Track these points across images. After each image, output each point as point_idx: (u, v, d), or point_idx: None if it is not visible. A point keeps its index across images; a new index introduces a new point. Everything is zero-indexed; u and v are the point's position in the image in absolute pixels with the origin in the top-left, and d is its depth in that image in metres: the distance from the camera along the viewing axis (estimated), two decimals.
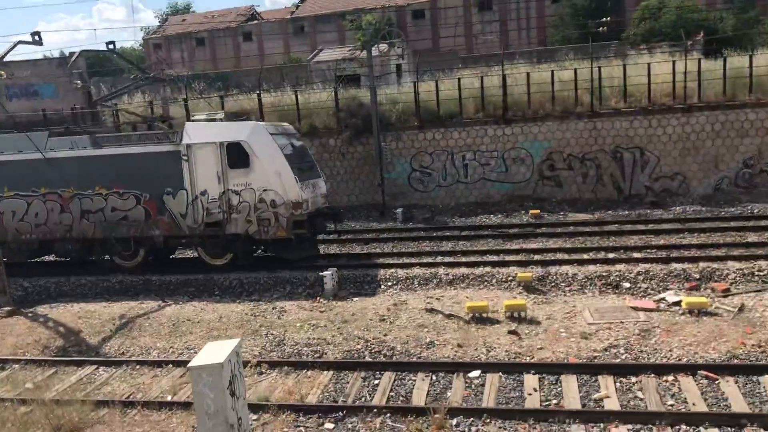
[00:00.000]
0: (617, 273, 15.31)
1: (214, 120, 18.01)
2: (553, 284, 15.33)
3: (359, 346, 12.59)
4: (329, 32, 59.90)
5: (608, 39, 39.57)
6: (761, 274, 14.62)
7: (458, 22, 54.75)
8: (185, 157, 17.29)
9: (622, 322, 12.69)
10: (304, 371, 11.61)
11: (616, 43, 40.95)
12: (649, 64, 24.78)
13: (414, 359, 11.88)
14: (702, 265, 15.26)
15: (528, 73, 25.94)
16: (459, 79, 27.00)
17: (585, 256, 16.72)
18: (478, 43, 58.33)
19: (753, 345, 11.33)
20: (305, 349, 12.68)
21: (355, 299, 15.37)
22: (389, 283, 16.17)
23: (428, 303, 14.51)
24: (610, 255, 16.89)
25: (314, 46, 55.82)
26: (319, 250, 19.47)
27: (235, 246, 17.76)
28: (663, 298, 13.71)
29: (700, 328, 12.13)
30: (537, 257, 17.03)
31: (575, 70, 25.48)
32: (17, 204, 18.58)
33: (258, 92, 28.40)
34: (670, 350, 11.46)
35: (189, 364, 8.10)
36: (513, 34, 61.82)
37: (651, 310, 13.20)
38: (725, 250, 16.52)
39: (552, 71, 25.81)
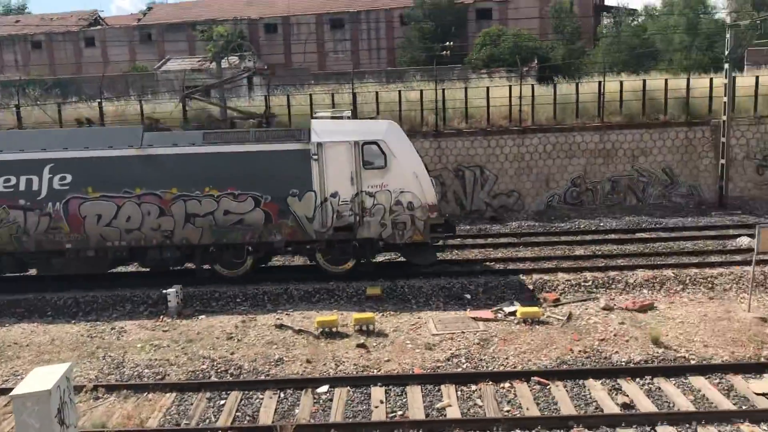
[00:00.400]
0: (459, 285, 16.01)
1: (341, 118, 16.92)
2: (400, 297, 15.74)
3: (204, 366, 12.23)
4: (179, 41, 58.05)
5: (453, 62, 41.48)
6: (587, 284, 15.89)
7: (308, 39, 55.08)
8: (315, 157, 15.92)
9: (463, 333, 13.27)
10: (145, 394, 11.10)
11: (459, 66, 42.97)
12: (488, 88, 26.27)
13: (262, 377, 11.73)
14: (535, 276, 16.31)
15: (377, 92, 26.59)
16: (311, 95, 27.16)
17: (430, 270, 17.32)
18: (329, 61, 59.00)
19: (579, 351, 12.27)
20: (146, 371, 12.12)
21: (201, 317, 14.92)
22: (238, 300, 15.86)
23: (278, 319, 14.40)
24: (454, 268, 17.62)
25: (162, 55, 53.88)
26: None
27: (363, 251, 16.61)
28: (500, 309, 14.50)
29: (533, 337, 12.95)
30: (386, 271, 17.42)
31: (421, 91, 26.47)
32: (104, 206, 16.08)
33: (99, 100, 26.93)
34: (506, 358, 12.14)
35: (12, 392, 7.49)
36: (364, 54, 63.12)
37: (490, 320, 13.92)
38: (556, 263, 17.78)
39: (399, 91, 26.65)
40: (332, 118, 17.05)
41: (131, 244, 16.31)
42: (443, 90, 26.36)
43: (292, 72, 41.41)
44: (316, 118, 17.08)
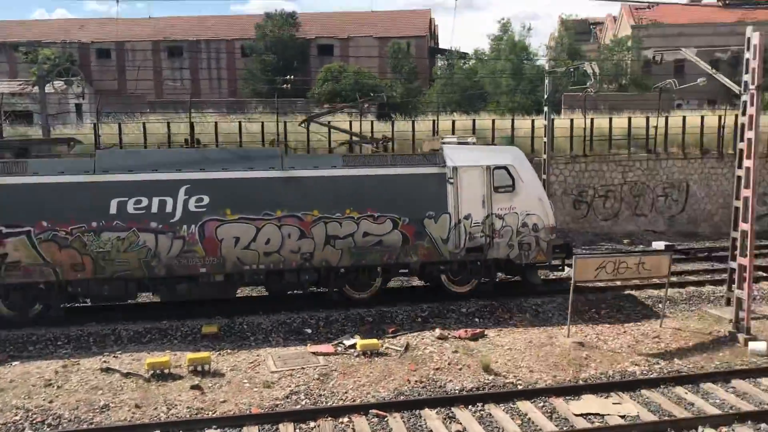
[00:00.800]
0: (300, 320, 15.87)
1: (467, 143, 17.64)
2: (238, 334, 15.30)
3: (18, 417, 11.11)
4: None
5: (295, 96, 41.69)
6: (423, 315, 16.36)
7: (141, 66, 53.00)
8: (450, 180, 16.49)
9: (303, 368, 13.13)
10: None
11: (302, 100, 43.29)
12: (330, 122, 26.63)
13: (85, 426, 10.85)
14: (374, 309, 16.54)
15: (216, 123, 26.06)
16: (144, 123, 26.07)
17: (269, 305, 17.02)
18: (167, 89, 57.08)
19: (416, 381, 12.55)
20: None
21: (14, 363, 13.58)
22: (59, 343, 14.63)
23: (104, 362, 13.44)
24: (297, 302, 17.45)
25: None
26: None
27: (489, 271, 17.21)
28: (341, 342, 14.54)
29: (372, 369, 13.08)
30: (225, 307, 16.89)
31: (262, 123, 26.30)
32: (243, 229, 15.50)
33: None
34: (346, 392, 12.14)
35: None
36: (204, 83, 61.79)
37: (330, 354, 13.89)
38: (395, 295, 18.16)
39: (240, 122, 26.29)
40: (458, 143, 17.73)
41: (269, 267, 15.94)
42: (285, 123, 26.35)
43: (126, 98, 39.63)
44: (444, 143, 17.56)
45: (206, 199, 15.37)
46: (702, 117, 28.83)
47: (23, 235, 14.73)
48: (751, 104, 14.51)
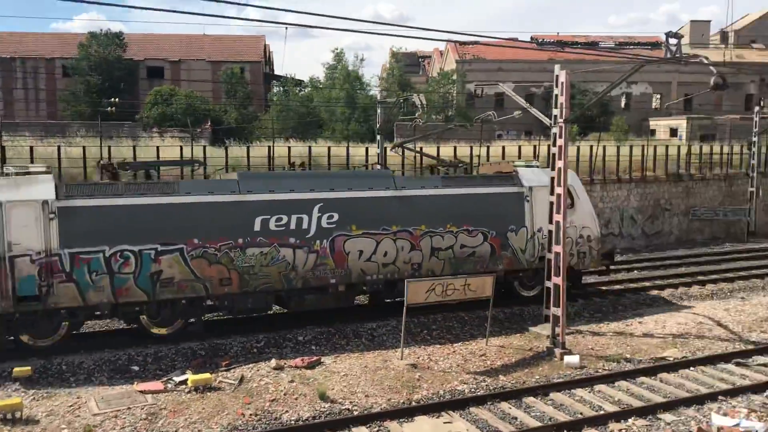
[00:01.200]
0: (126, 356, 14.96)
1: (530, 166, 20.00)
2: (57, 375, 14.12)
3: None
4: None
5: (122, 119, 39.69)
6: (259, 345, 16.04)
7: None
8: (527, 198, 18.79)
9: (129, 408, 12.35)
10: None
11: (129, 123, 41.29)
12: (158, 147, 25.63)
13: None
14: (206, 343, 15.97)
15: (31, 147, 24.14)
16: None
17: (93, 342, 15.91)
18: None
19: (251, 414, 12.23)
20: None
21: None
22: None
23: None
24: (122, 338, 16.45)
25: None
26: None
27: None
28: (171, 378, 13.86)
29: (204, 404, 12.59)
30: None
31: (84, 147, 24.74)
32: (366, 243, 17.05)
33: None
34: (176, 430, 11.57)
35: None
36: (20, 105, 57.29)
37: (159, 392, 13.19)
38: (228, 326, 17.64)
39: (59, 146, 24.55)
40: (526, 166, 20.05)
41: (386, 276, 17.38)
42: (109, 147, 24.97)
43: None
44: (516, 166, 19.97)
45: (336, 216, 16.75)
46: (519, 147, 31.07)
47: (176, 252, 15.40)
48: (560, 136, 15.85)
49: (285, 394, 13.12)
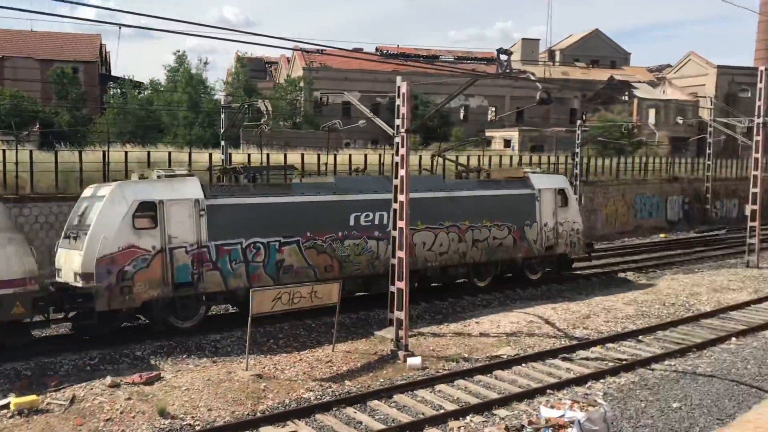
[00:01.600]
0: None
1: (536, 173, 24.56)
2: None
3: None
4: None
5: None
6: (92, 362, 15.09)
7: None
8: (537, 198, 23.13)
9: None
10: None
11: None
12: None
13: None
14: (33, 362, 14.80)
15: None
16: None
17: None
18: None
19: None
20: None
21: None
22: None
23: None
24: None
25: None
26: None
27: (552, 264, 24.27)
28: None
29: (30, 428, 11.64)
30: None
31: None
32: (427, 236, 20.90)
33: None
34: None
35: None
36: None
37: None
38: (57, 344, 16.43)
39: None
40: (532, 172, 24.57)
41: (441, 263, 21.15)
42: None
43: None
44: (526, 172, 24.41)
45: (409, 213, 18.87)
46: (365, 155, 31.66)
47: (294, 244, 18.57)
48: (402, 146, 16.33)
49: (121, 413, 12.42)
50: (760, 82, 28.25)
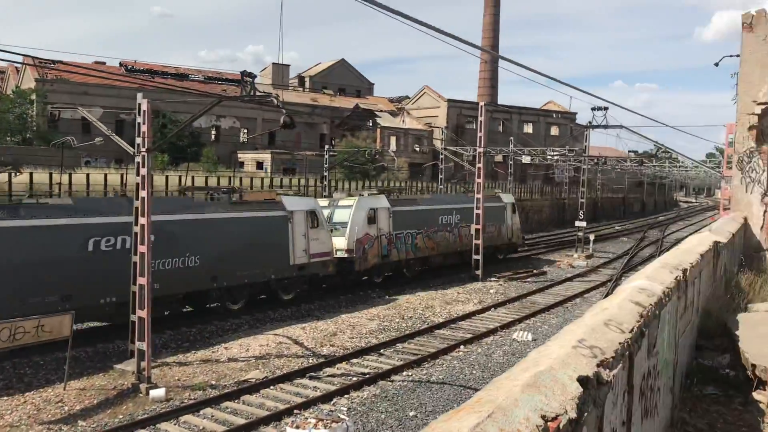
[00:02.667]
0: None
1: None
2: None
3: None
4: None
5: None
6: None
7: None
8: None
9: None
10: None
11: None
12: None
13: None
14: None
15: None
16: None
17: None
18: None
19: None
20: None
21: None
22: None
23: None
24: None
25: None
26: None
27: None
28: None
29: None
30: None
31: None
32: (466, 231, 33.72)
33: None
34: None
35: None
36: None
37: None
38: None
39: None
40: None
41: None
42: None
43: None
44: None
45: (460, 216, 33.24)
46: (105, 175, 29.68)
47: (421, 234, 31.18)
48: (143, 165, 15.60)
49: None
50: (481, 115, 31.78)
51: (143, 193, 15.58)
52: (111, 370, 16.71)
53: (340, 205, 28.05)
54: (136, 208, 15.90)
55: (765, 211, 22.75)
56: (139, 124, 15.75)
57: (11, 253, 16.82)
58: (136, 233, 15.89)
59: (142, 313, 15.54)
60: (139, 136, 15.73)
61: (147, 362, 15.39)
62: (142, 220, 15.60)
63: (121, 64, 66.37)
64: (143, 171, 15.62)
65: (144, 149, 15.59)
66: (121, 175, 29.96)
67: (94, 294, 18.15)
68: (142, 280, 15.59)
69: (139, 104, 15.77)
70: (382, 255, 28.44)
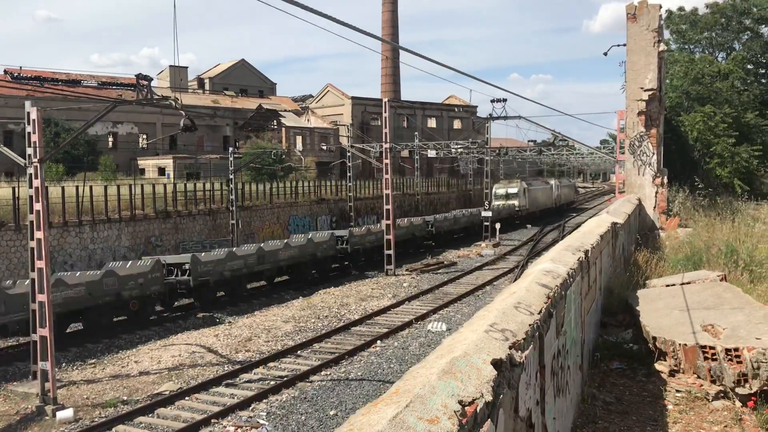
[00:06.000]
0: None
1: None
2: None
3: None
4: None
5: None
6: None
7: None
8: (552, 187, 65.38)
9: None
10: None
11: None
12: None
13: None
14: None
15: None
16: None
17: None
18: None
19: None
20: None
21: None
22: None
23: None
24: None
25: None
26: None
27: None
28: None
29: None
30: None
31: None
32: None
33: None
34: None
35: None
36: None
37: None
38: None
39: None
40: None
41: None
42: None
43: None
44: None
45: (558, 190, 70.44)
46: None
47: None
48: (36, 176, 14.81)
49: None
50: (385, 112, 32.03)
51: (38, 206, 14.79)
52: (12, 393, 15.81)
53: (510, 185, 57.71)
54: (31, 222, 15.08)
55: (656, 192, 24.09)
56: (29, 133, 14.94)
57: None
58: (32, 248, 15.06)
59: (44, 332, 14.77)
60: (29, 146, 14.92)
61: (52, 383, 14.64)
62: (39, 234, 14.82)
63: (6, 72, 62.75)
64: (36, 182, 14.83)
65: (36, 160, 14.80)
66: (13, 189, 28.25)
67: None
68: (42, 297, 14.81)
69: (28, 113, 14.96)
70: (525, 208, 56.66)
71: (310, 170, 62.10)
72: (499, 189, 56.24)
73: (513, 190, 56.13)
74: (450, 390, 2.98)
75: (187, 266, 23.97)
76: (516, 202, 55.11)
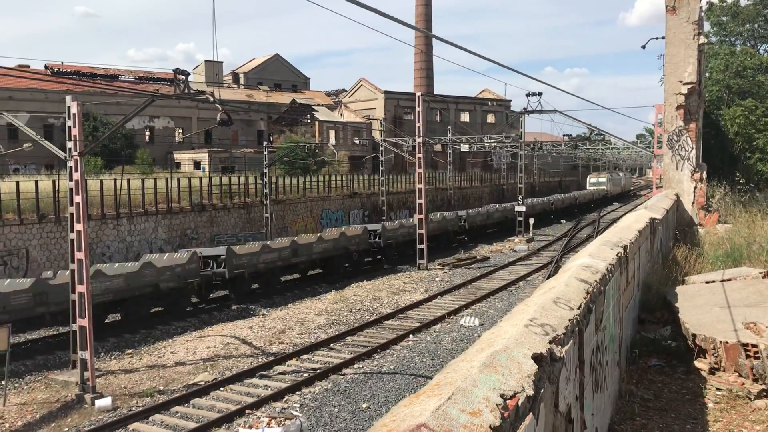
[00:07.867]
0: None
1: None
2: None
3: None
4: None
5: None
6: None
7: None
8: (622, 177, 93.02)
9: None
10: None
11: None
12: None
13: None
14: None
15: None
16: None
17: None
18: None
19: None
20: None
21: None
22: None
23: None
24: None
25: None
26: None
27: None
28: None
29: None
30: None
31: None
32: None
33: None
34: None
35: None
36: None
37: None
38: None
39: None
40: None
41: None
42: None
43: None
44: None
45: (622, 179, 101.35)
46: (36, 182, 28.57)
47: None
48: (76, 170, 15.10)
49: None
50: (418, 106, 31.94)
51: (78, 198, 15.08)
52: (53, 382, 16.18)
53: (600, 176, 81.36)
54: (71, 214, 15.38)
55: (695, 188, 23.62)
56: (69, 127, 15.22)
57: None
58: (71, 240, 15.37)
59: (83, 322, 15.07)
60: (70, 139, 15.20)
61: (90, 371, 14.94)
62: (78, 227, 15.11)
63: (46, 67, 64.03)
64: (76, 175, 15.12)
65: (76, 153, 15.08)
66: (53, 181, 28.82)
67: None
68: (81, 288, 15.11)
69: (69, 107, 15.24)
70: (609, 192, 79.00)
71: (342, 164, 62.26)
72: (593, 178, 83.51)
73: (602, 179, 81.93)
74: (491, 383, 2.96)
75: (222, 258, 24.24)
76: (605, 187, 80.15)
